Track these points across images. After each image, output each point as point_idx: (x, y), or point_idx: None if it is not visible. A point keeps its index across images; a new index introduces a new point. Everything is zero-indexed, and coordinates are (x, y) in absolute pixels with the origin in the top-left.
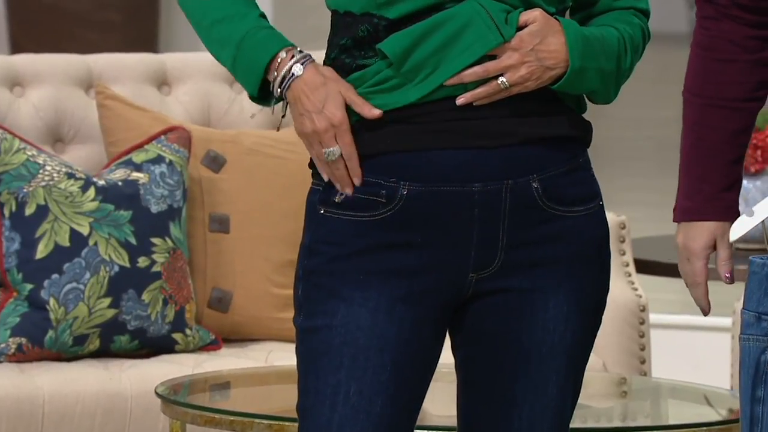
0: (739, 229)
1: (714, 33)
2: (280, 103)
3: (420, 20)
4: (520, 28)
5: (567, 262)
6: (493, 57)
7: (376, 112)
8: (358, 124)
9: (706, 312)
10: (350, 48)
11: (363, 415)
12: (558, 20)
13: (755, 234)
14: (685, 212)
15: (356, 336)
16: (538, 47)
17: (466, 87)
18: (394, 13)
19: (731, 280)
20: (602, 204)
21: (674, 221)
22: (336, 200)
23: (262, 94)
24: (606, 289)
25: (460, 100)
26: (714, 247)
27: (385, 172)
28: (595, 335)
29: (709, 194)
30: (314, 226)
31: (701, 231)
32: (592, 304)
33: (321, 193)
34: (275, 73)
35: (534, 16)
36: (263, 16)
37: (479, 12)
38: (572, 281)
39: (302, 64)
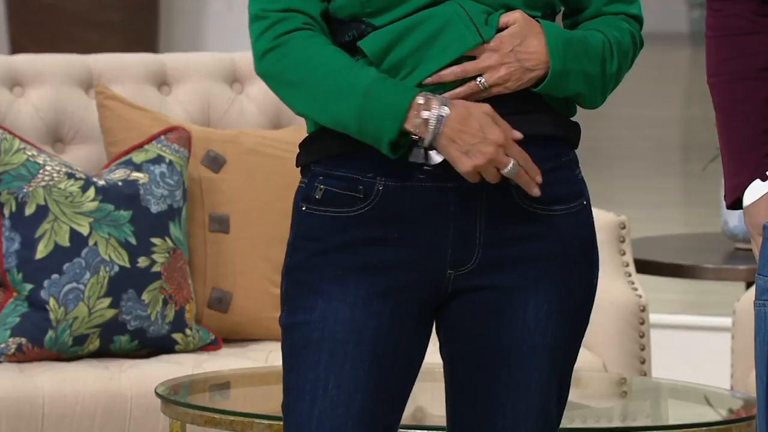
0: (752, 193)
1: (726, 13)
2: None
3: None
4: (500, 30)
5: (547, 260)
6: (473, 58)
7: (518, 135)
8: None
9: None
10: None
11: (342, 409)
12: (539, 22)
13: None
14: (735, 189)
15: (334, 330)
16: (518, 48)
17: (445, 87)
18: (381, 21)
19: None
20: (587, 204)
21: (728, 207)
22: (316, 196)
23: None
24: (592, 288)
25: None
26: None
27: (363, 168)
28: (582, 335)
29: (753, 163)
30: (297, 223)
31: (762, 203)
32: (575, 303)
33: (303, 190)
34: (417, 120)
35: (515, 17)
36: None
37: (458, 12)
38: (553, 280)
39: (445, 104)
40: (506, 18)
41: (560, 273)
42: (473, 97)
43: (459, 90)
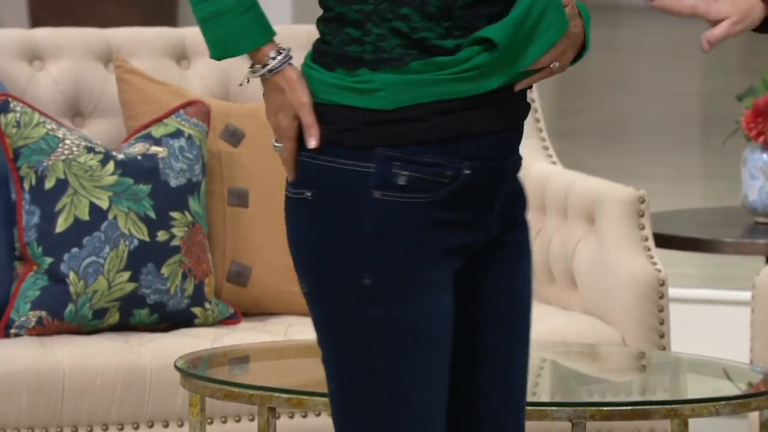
0: None
1: None
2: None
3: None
4: None
5: (524, 222)
6: None
7: (312, 143)
8: (430, 107)
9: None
10: (413, 19)
11: (450, 391)
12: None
13: None
14: None
15: (439, 320)
16: (571, 31)
17: (527, 72)
18: None
19: (707, 51)
20: None
21: None
22: (400, 183)
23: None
24: None
25: (520, 86)
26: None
27: (451, 153)
28: None
29: None
30: (371, 211)
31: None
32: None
33: (375, 176)
34: (252, 61)
35: None
36: None
37: None
38: (528, 239)
39: (271, 71)
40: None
41: (528, 232)
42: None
43: (538, 75)
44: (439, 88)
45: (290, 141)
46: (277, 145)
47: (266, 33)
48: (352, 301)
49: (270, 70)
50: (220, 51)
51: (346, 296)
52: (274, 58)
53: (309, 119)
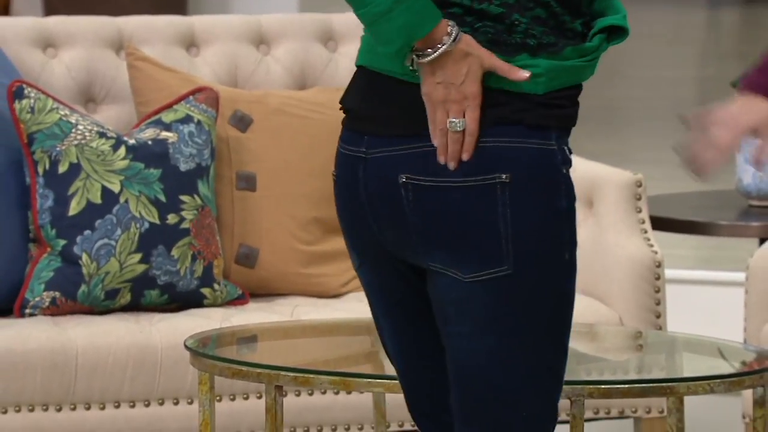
0: None
1: None
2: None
3: None
4: None
5: None
6: None
7: (525, 75)
8: (570, 92)
9: (697, 172)
10: (552, 5)
11: None
12: None
13: None
14: (752, 85)
15: None
16: None
17: None
18: None
19: (761, 168)
20: None
21: (739, 91)
22: (570, 158)
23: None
24: None
25: None
26: (756, 134)
27: (569, 135)
28: None
29: None
30: (564, 187)
31: (758, 107)
32: None
33: (558, 153)
34: (428, 42)
35: None
36: None
37: None
38: None
39: (455, 39)
40: None
41: None
42: None
43: None
44: (576, 75)
45: (478, 109)
46: (457, 121)
47: (436, 8)
48: (556, 278)
49: (454, 39)
50: (405, 38)
51: (553, 274)
52: (453, 27)
53: (504, 64)
